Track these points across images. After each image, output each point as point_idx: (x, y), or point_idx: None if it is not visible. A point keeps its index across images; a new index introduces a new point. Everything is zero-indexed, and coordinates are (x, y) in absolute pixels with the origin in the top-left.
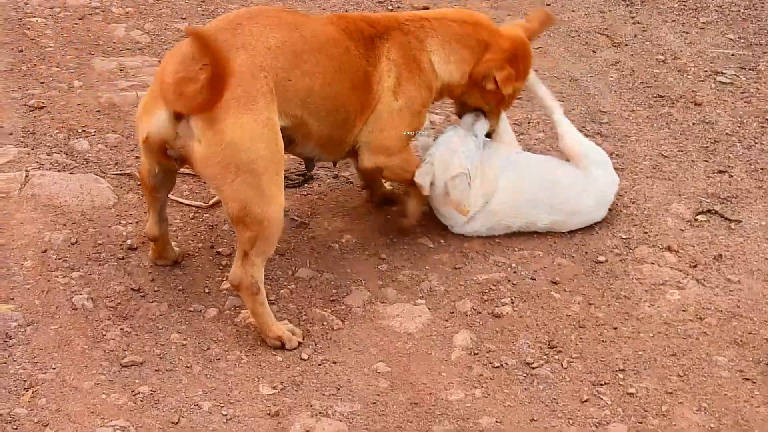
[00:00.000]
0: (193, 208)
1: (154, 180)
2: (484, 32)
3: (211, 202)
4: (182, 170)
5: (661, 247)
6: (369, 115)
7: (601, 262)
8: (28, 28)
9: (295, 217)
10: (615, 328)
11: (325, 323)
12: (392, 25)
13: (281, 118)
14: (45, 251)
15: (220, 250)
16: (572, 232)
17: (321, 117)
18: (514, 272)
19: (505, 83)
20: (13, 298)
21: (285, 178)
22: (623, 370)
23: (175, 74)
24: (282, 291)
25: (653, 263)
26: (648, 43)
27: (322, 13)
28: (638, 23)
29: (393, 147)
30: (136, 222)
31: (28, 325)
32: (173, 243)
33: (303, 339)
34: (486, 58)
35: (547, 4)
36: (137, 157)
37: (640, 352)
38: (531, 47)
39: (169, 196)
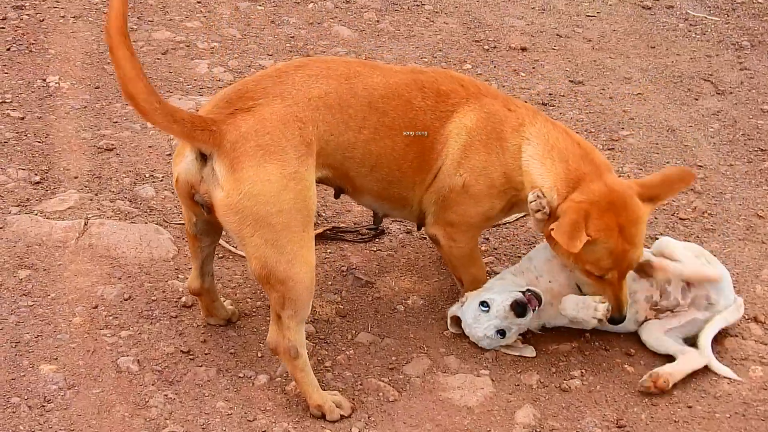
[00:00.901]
0: None
1: (194, 228)
2: (588, 165)
3: None
4: None
5: (747, 317)
6: (431, 177)
7: None
8: (108, 63)
9: (361, 276)
10: (689, 407)
11: (380, 394)
12: (489, 95)
13: (322, 169)
14: (96, 307)
15: None
16: None
17: (365, 173)
18: (587, 342)
19: (567, 233)
20: (56, 358)
21: (356, 232)
22: None
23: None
24: (339, 357)
25: (737, 335)
26: (754, 91)
27: (414, 55)
28: (746, 69)
29: (457, 224)
30: None
31: (69, 389)
32: (230, 300)
33: (352, 412)
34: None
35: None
36: None
37: None
38: (639, 210)
39: (231, 248)
